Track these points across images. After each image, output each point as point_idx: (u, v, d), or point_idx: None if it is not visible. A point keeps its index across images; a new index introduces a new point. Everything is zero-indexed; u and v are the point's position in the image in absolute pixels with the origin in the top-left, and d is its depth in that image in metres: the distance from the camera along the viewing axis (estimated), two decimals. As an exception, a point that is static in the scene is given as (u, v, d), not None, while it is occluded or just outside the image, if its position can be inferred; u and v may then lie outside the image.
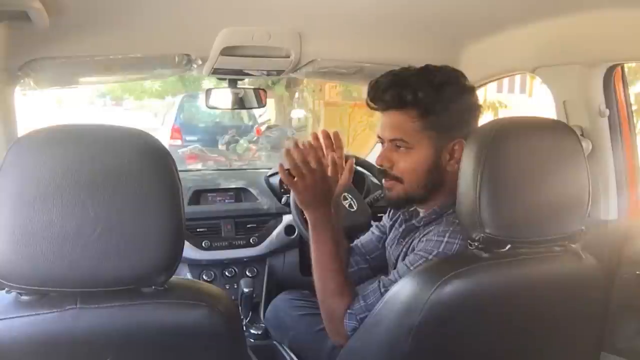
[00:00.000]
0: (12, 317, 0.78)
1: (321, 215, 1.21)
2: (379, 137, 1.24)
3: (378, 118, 1.25)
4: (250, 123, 7.99)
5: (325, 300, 1.21)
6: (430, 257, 1.11)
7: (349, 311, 1.16)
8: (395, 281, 1.10)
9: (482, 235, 0.97)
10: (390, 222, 1.40)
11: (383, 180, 1.25)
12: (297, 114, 9.12)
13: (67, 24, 1.32)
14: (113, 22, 1.39)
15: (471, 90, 1.22)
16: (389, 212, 1.43)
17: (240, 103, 1.88)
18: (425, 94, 1.14)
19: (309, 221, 1.23)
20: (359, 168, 2.14)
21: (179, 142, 7.52)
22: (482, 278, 0.99)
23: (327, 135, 1.31)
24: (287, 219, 1.96)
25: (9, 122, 1.49)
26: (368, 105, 1.23)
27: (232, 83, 1.84)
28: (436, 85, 1.16)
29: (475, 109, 1.22)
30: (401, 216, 1.34)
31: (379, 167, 1.23)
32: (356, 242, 1.49)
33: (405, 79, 1.17)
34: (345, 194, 1.90)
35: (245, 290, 1.75)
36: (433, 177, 1.18)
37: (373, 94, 1.20)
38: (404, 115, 1.17)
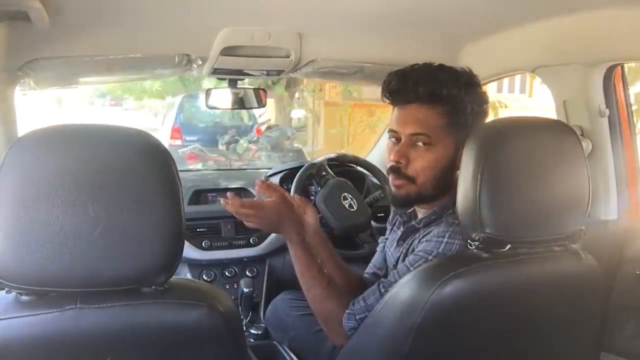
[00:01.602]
0: (12, 317, 0.77)
1: (287, 233, 1.26)
2: (393, 131, 1.20)
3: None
4: (250, 123, 7.98)
5: (317, 306, 1.23)
6: (430, 257, 1.11)
7: (347, 311, 1.16)
8: (395, 282, 1.10)
9: (482, 235, 0.97)
10: (390, 227, 1.39)
11: (391, 178, 1.21)
12: (297, 114, 9.11)
13: (67, 24, 1.32)
14: (113, 22, 1.39)
15: (486, 95, 1.22)
16: (389, 218, 1.42)
17: (240, 103, 1.88)
18: (458, 92, 1.14)
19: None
20: (359, 168, 2.15)
21: (179, 142, 7.51)
22: (482, 278, 0.99)
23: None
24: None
25: (9, 122, 1.50)
26: (386, 97, 1.20)
27: (232, 83, 1.84)
28: (463, 84, 1.16)
29: (487, 114, 1.21)
30: (399, 218, 1.33)
31: (393, 163, 1.18)
32: (370, 266, 1.47)
33: (436, 75, 1.16)
34: (345, 194, 1.90)
35: (245, 290, 1.75)
36: (446, 178, 1.17)
37: (400, 85, 1.16)
38: (430, 111, 1.15)
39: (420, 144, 1.16)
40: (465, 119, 1.15)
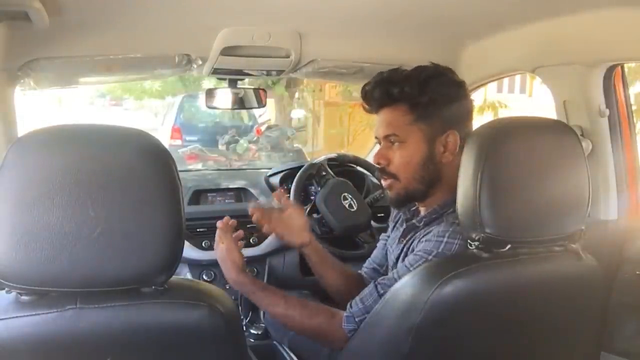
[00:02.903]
0: (12, 317, 0.78)
1: (233, 283, 1.31)
2: (375, 137, 1.28)
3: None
4: (250, 123, 7.99)
5: (304, 329, 1.25)
6: (430, 257, 1.11)
7: (346, 314, 1.16)
8: (395, 281, 1.10)
9: (482, 235, 0.97)
10: (393, 224, 1.40)
11: (382, 181, 1.28)
12: (297, 114, 9.12)
13: (67, 24, 1.32)
14: (113, 22, 1.39)
15: (459, 84, 1.25)
16: (392, 215, 1.43)
17: (240, 103, 1.88)
18: (411, 88, 1.19)
19: None
20: (359, 168, 2.15)
21: (179, 142, 7.52)
22: (482, 278, 0.99)
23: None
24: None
25: (9, 122, 1.49)
26: (363, 107, 1.29)
27: (232, 83, 1.84)
28: (422, 79, 1.20)
29: (465, 102, 1.25)
30: (402, 216, 1.34)
31: (377, 165, 1.27)
32: (368, 261, 1.49)
33: (392, 77, 1.22)
34: (345, 194, 1.91)
35: (246, 290, 1.75)
36: (429, 171, 1.21)
37: (364, 95, 1.26)
38: (394, 111, 1.22)
39: (395, 143, 1.22)
40: (427, 112, 1.19)
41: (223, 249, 1.31)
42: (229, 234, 1.32)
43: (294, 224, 1.40)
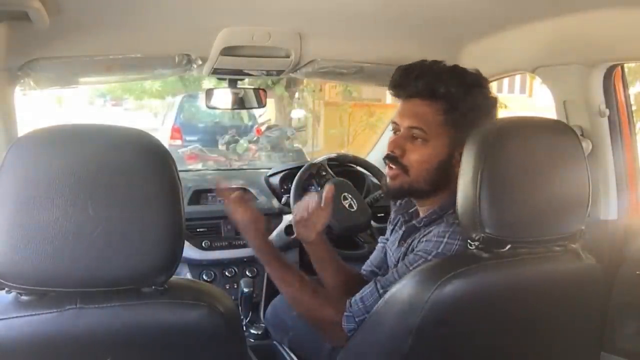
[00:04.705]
0: (12, 317, 0.78)
1: (257, 247, 1.28)
2: (394, 123, 1.23)
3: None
4: (250, 123, 7.99)
5: (310, 317, 1.23)
6: (430, 257, 1.11)
7: (346, 313, 1.15)
8: (395, 281, 1.10)
9: (482, 235, 0.97)
10: (391, 226, 1.39)
11: (387, 168, 1.23)
12: (297, 114, 9.12)
13: (67, 24, 1.32)
14: (113, 22, 1.39)
15: (495, 100, 1.22)
16: (390, 218, 1.42)
17: (240, 103, 1.88)
18: (457, 91, 1.15)
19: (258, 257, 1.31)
20: (359, 168, 2.15)
21: (179, 142, 7.53)
22: (482, 278, 0.99)
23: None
24: (287, 218, 1.96)
25: (9, 122, 1.50)
26: (391, 90, 1.23)
27: (232, 83, 1.84)
28: (467, 84, 1.17)
29: (493, 116, 1.21)
30: (401, 218, 1.34)
31: (388, 152, 1.21)
32: (367, 263, 1.47)
33: (439, 72, 1.18)
34: (345, 193, 1.91)
35: (245, 290, 1.75)
36: (440, 175, 1.18)
37: (403, 79, 1.20)
38: (429, 107, 1.17)
39: (417, 138, 1.18)
40: (464, 119, 1.16)
41: (245, 216, 1.27)
42: (239, 202, 1.29)
43: (316, 224, 1.32)
